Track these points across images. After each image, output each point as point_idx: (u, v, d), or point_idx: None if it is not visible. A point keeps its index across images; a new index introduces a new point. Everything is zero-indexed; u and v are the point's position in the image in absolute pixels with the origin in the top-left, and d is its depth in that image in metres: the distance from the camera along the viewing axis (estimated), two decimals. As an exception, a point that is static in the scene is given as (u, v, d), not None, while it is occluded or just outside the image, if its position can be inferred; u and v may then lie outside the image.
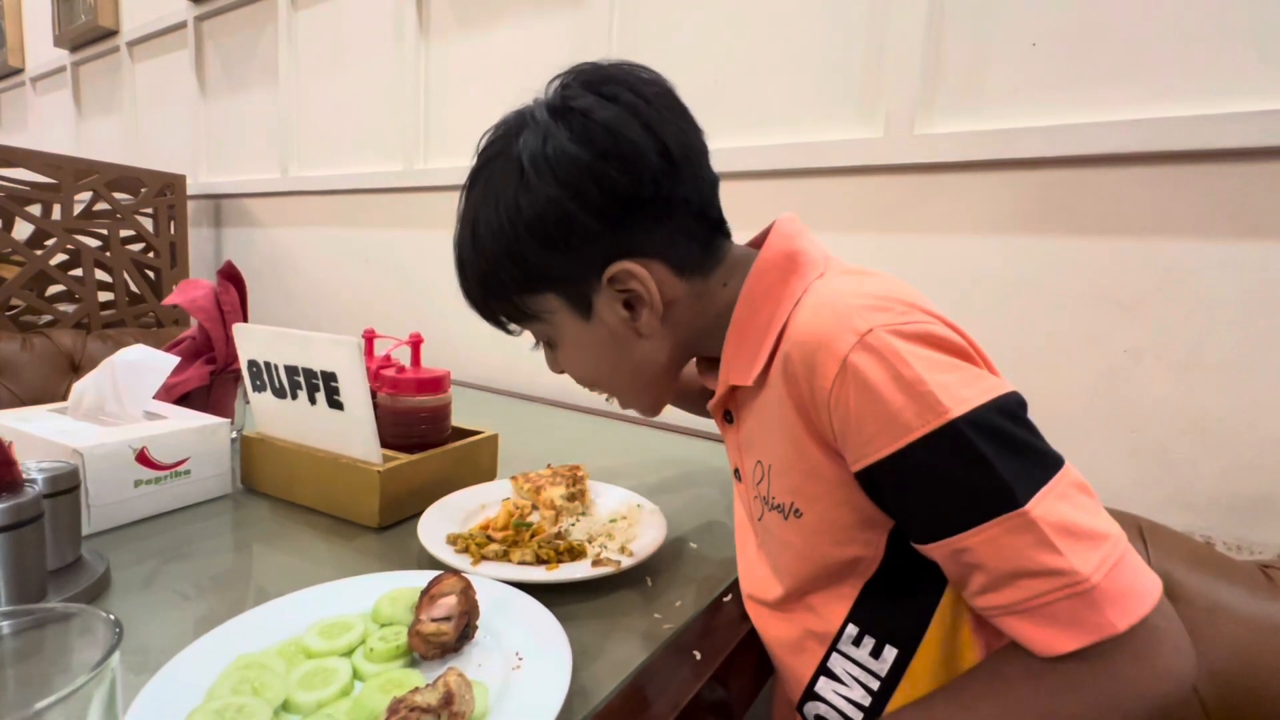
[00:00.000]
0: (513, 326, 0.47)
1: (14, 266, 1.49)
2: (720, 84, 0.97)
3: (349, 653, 0.35)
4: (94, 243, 1.58)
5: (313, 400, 0.57)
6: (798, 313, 0.38)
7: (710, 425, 0.72)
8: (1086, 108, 0.71)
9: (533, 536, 0.51)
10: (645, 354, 0.45)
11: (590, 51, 1.06)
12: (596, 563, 0.47)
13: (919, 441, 0.31)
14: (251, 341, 0.59)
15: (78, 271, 1.55)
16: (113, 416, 0.56)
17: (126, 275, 1.61)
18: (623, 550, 0.49)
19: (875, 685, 0.39)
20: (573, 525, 0.54)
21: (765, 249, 0.42)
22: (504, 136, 0.43)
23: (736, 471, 0.47)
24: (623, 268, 0.41)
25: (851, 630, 0.40)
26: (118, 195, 1.59)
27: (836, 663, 0.40)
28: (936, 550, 0.34)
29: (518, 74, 1.20)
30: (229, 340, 0.71)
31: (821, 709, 0.41)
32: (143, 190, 1.63)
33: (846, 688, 0.40)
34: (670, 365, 0.46)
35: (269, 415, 0.61)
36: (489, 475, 0.68)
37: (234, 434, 0.66)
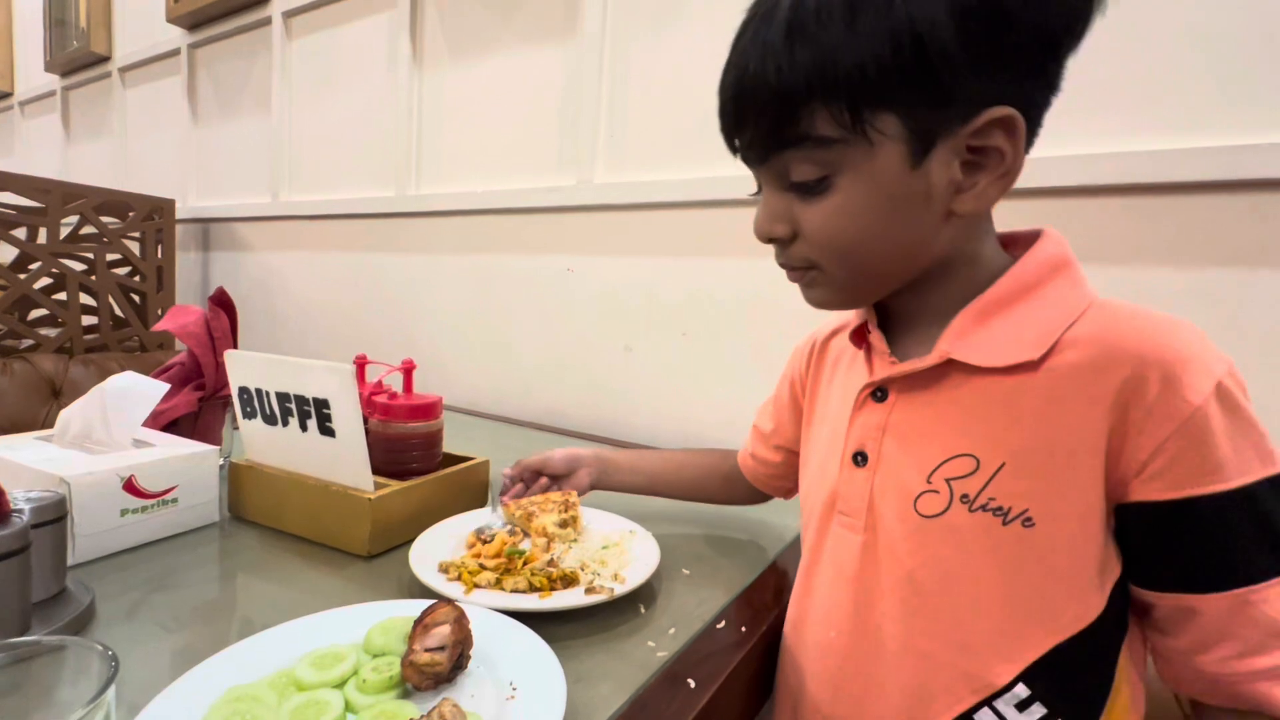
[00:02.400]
0: (783, 150, 0.36)
1: (-3, 289, 1.47)
2: (710, 113, 0.99)
3: (341, 684, 0.35)
4: (79, 266, 1.56)
5: (304, 427, 0.57)
6: (1120, 320, 0.35)
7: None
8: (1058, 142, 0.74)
9: (525, 564, 0.51)
10: (923, 237, 0.37)
11: (582, 81, 1.09)
12: (589, 590, 0.47)
13: (1258, 484, 0.32)
14: (243, 368, 0.59)
15: (61, 295, 1.54)
16: (100, 444, 0.56)
17: (111, 299, 1.60)
18: (615, 577, 0.49)
19: None
20: (564, 552, 0.54)
21: (1046, 240, 0.39)
22: None
23: (860, 455, 0.42)
24: (1010, 114, 0.33)
25: (1020, 691, 0.36)
26: (105, 219, 1.59)
27: (985, 718, 0.37)
28: (1214, 603, 0.33)
29: (510, 102, 1.22)
30: (219, 366, 0.71)
31: None
32: (130, 214, 1.63)
33: None
34: (914, 270, 0.39)
35: (258, 442, 0.61)
36: (480, 501, 0.67)
37: (222, 461, 0.65)
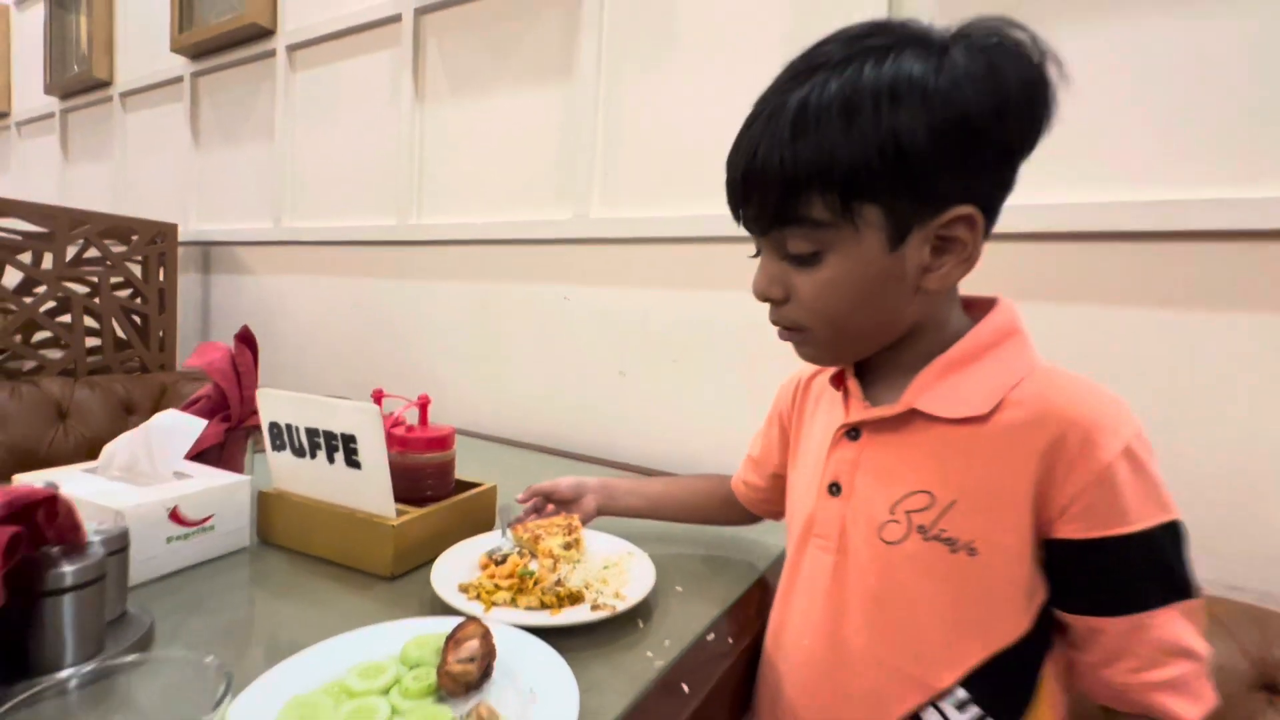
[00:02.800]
0: (786, 227, 0.42)
1: (1, 314, 1.50)
2: (700, 153, 1.06)
3: (386, 691, 0.41)
4: (83, 290, 1.60)
5: (331, 459, 0.63)
6: (1056, 388, 0.42)
7: (685, 473, 0.79)
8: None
9: (535, 584, 0.56)
10: (897, 307, 0.43)
11: (578, 120, 1.16)
12: (595, 607, 0.53)
13: (1156, 529, 0.39)
14: (274, 405, 0.65)
15: (65, 318, 1.57)
16: (144, 475, 0.61)
17: (114, 322, 1.64)
18: (616, 595, 0.55)
19: None
20: (569, 572, 0.60)
21: (1000, 310, 0.46)
22: (904, 38, 0.40)
23: (835, 486, 0.48)
24: (971, 212, 0.40)
25: (960, 693, 0.43)
26: (108, 242, 1.63)
27: (931, 716, 0.44)
28: (1116, 624, 0.40)
29: (509, 138, 1.29)
30: (243, 400, 0.76)
31: None
32: (134, 238, 1.67)
33: None
34: (890, 335, 0.46)
35: (286, 473, 0.67)
36: (488, 525, 0.73)
37: (249, 488, 0.71)
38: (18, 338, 1.52)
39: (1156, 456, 0.41)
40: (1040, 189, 0.79)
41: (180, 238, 1.78)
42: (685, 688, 0.47)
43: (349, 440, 0.61)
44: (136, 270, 1.68)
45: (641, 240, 1.12)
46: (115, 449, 0.62)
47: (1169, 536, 0.40)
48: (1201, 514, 0.72)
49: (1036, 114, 0.40)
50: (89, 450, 1.31)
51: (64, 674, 0.29)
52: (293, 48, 1.62)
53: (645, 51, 1.12)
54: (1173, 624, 0.39)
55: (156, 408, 1.58)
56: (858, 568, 0.47)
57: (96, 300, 1.61)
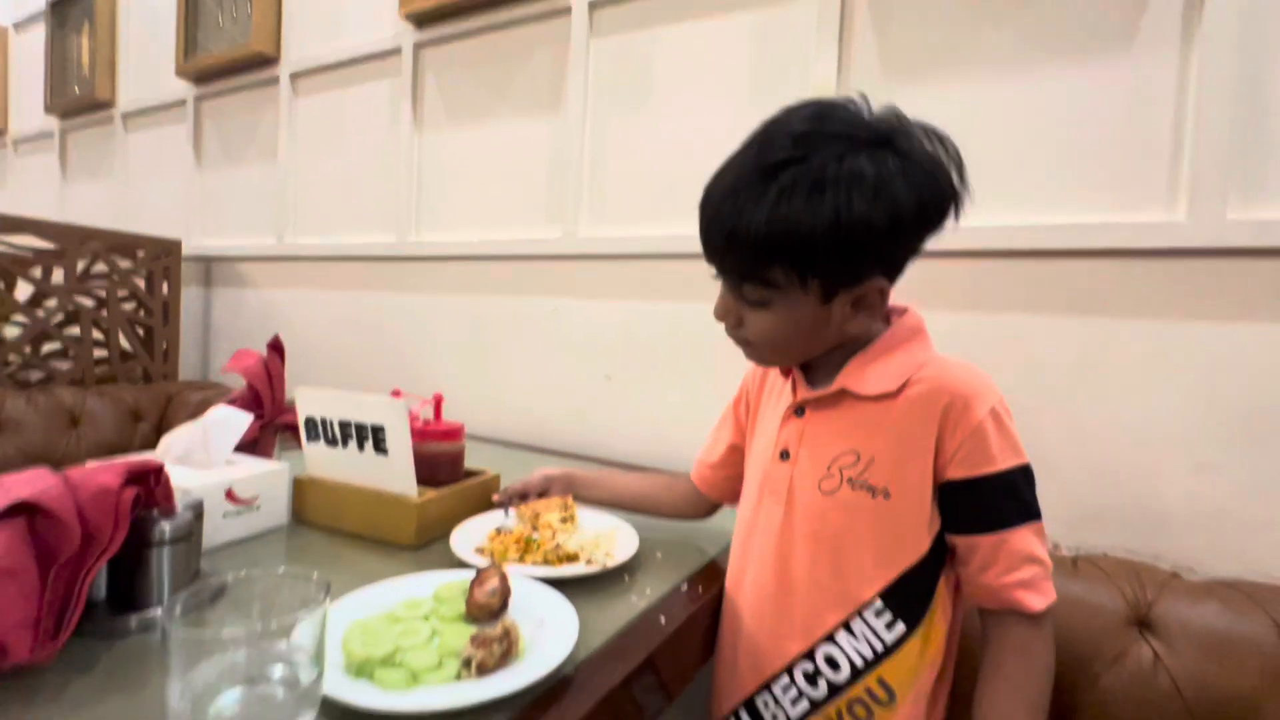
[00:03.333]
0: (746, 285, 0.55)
1: (14, 326, 1.58)
2: (673, 183, 1.19)
3: (425, 618, 0.51)
4: (91, 303, 1.68)
5: (361, 448, 0.73)
6: (946, 370, 0.56)
7: (666, 468, 0.90)
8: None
9: (539, 547, 0.67)
10: (821, 341, 0.58)
11: (567, 148, 1.29)
12: (589, 563, 0.64)
13: (1013, 469, 0.54)
14: (310, 401, 0.75)
15: (73, 330, 1.65)
16: (199, 462, 0.71)
17: (121, 334, 1.71)
18: (607, 555, 0.67)
19: (880, 647, 0.56)
20: (566, 539, 0.71)
21: (908, 316, 0.60)
22: (861, 138, 0.51)
23: (785, 453, 0.62)
24: (884, 285, 0.54)
25: (878, 604, 0.56)
26: (116, 258, 1.71)
27: (857, 624, 0.57)
28: (987, 540, 0.53)
29: (502, 162, 1.41)
30: (274, 400, 0.86)
31: (834, 651, 0.57)
32: (140, 254, 1.75)
33: (857, 642, 0.57)
34: (814, 353, 0.60)
35: (320, 460, 0.77)
36: (481, 507, 0.83)
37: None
38: (28, 349, 1.59)
39: (1013, 418, 0.56)
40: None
41: (184, 253, 1.86)
42: (662, 619, 0.58)
43: (378, 430, 0.72)
44: (141, 284, 1.77)
45: (625, 256, 1.25)
46: (173, 439, 0.72)
47: (1022, 475, 0.55)
48: (1099, 489, 0.86)
49: (945, 208, 0.54)
50: (102, 455, 1.39)
51: (202, 583, 0.39)
52: (296, 75, 1.73)
53: (626, 90, 1.25)
54: (1026, 539, 0.54)
55: (162, 414, 1.66)
56: (802, 515, 0.60)
57: (104, 313, 1.69)
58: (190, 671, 0.33)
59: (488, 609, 0.52)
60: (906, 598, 0.56)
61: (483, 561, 0.63)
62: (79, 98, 2.20)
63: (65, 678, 0.44)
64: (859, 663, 0.57)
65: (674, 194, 1.19)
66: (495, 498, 0.81)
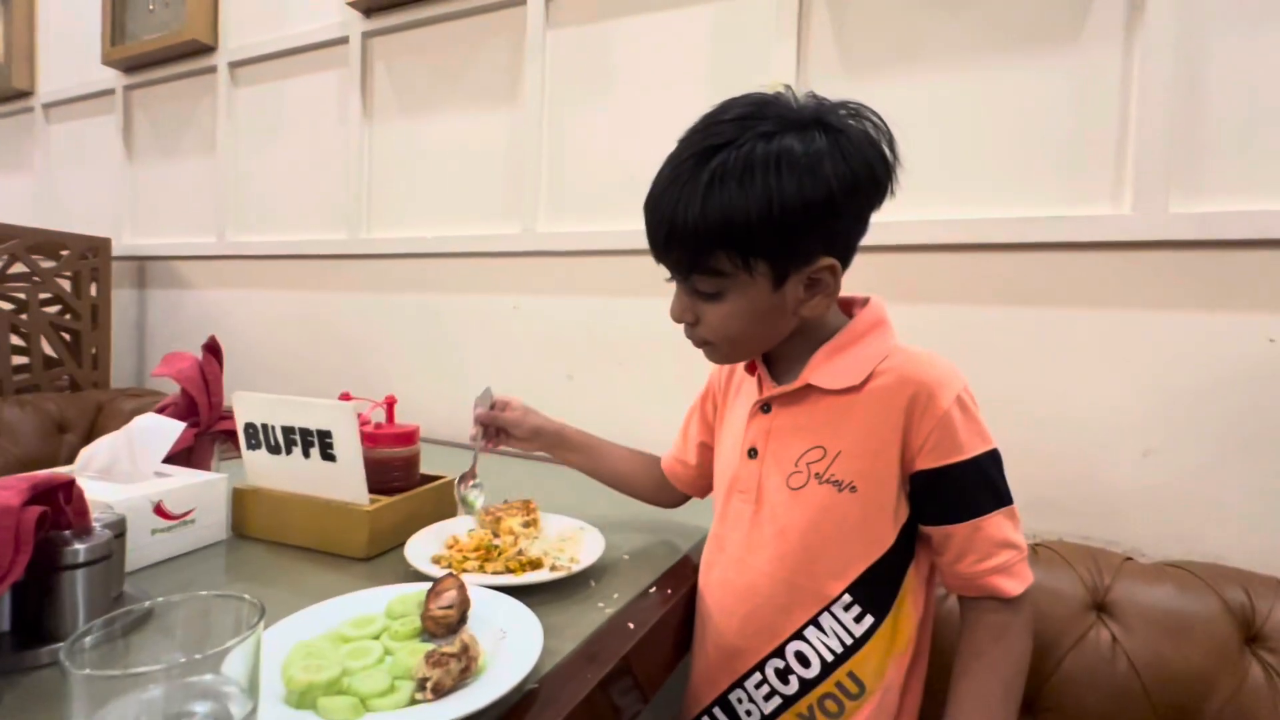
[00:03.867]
0: (697, 275, 0.54)
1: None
2: (634, 178, 1.17)
3: (376, 637, 0.48)
4: (8, 306, 1.55)
5: (306, 455, 0.69)
6: (910, 360, 0.55)
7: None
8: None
9: (500, 555, 0.64)
10: (780, 327, 0.56)
11: (525, 142, 1.25)
12: (553, 569, 0.61)
13: (982, 455, 0.53)
14: (250, 407, 0.70)
15: (-14, 336, 1.52)
16: (124, 475, 0.65)
17: (44, 339, 1.59)
18: (571, 560, 0.64)
19: (849, 640, 0.56)
20: (529, 545, 0.68)
21: (870, 307, 0.59)
22: (786, 122, 0.50)
23: (752, 451, 0.60)
24: (833, 263, 0.52)
25: (845, 598, 0.56)
26: (35, 258, 1.58)
27: (825, 619, 0.56)
28: (960, 529, 0.53)
29: (458, 156, 1.36)
30: (211, 406, 0.80)
31: (803, 647, 0.57)
32: (64, 253, 1.63)
33: (826, 638, 0.56)
34: (776, 341, 0.58)
35: (261, 469, 0.72)
36: (451, 512, 0.80)
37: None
38: (-64, 357, 1.46)
39: (978, 404, 0.55)
40: (917, 208, 0.94)
41: (114, 252, 1.75)
42: (631, 626, 0.56)
43: (324, 436, 0.67)
44: (66, 286, 1.65)
45: (586, 253, 1.22)
46: (95, 451, 0.66)
47: (991, 460, 0.54)
48: (1051, 477, 0.88)
49: (880, 185, 0.53)
50: (22, 470, 1.28)
51: (116, 613, 0.35)
52: (235, 64, 1.64)
53: (585, 82, 1.22)
54: (1000, 525, 0.53)
55: (91, 425, 1.55)
56: (770, 511, 0.59)
57: (24, 317, 1.56)
58: (97, 715, 0.29)
59: (445, 623, 0.48)
60: (874, 591, 0.56)
61: (439, 572, 0.60)
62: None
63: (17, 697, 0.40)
64: (829, 658, 0.56)
65: (634, 188, 1.16)
66: (471, 432, 0.76)
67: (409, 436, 0.78)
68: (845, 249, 0.54)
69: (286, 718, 0.39)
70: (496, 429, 0.77)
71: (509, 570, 0.61)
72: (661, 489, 0.80)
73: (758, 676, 0.59)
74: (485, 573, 0.61)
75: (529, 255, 1.28)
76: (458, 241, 1.34)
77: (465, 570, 0.61)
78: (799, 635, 0.57)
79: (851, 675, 0.56)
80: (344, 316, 1.52)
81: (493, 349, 1.33)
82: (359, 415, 0.80)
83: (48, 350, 1.61)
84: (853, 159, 0.50)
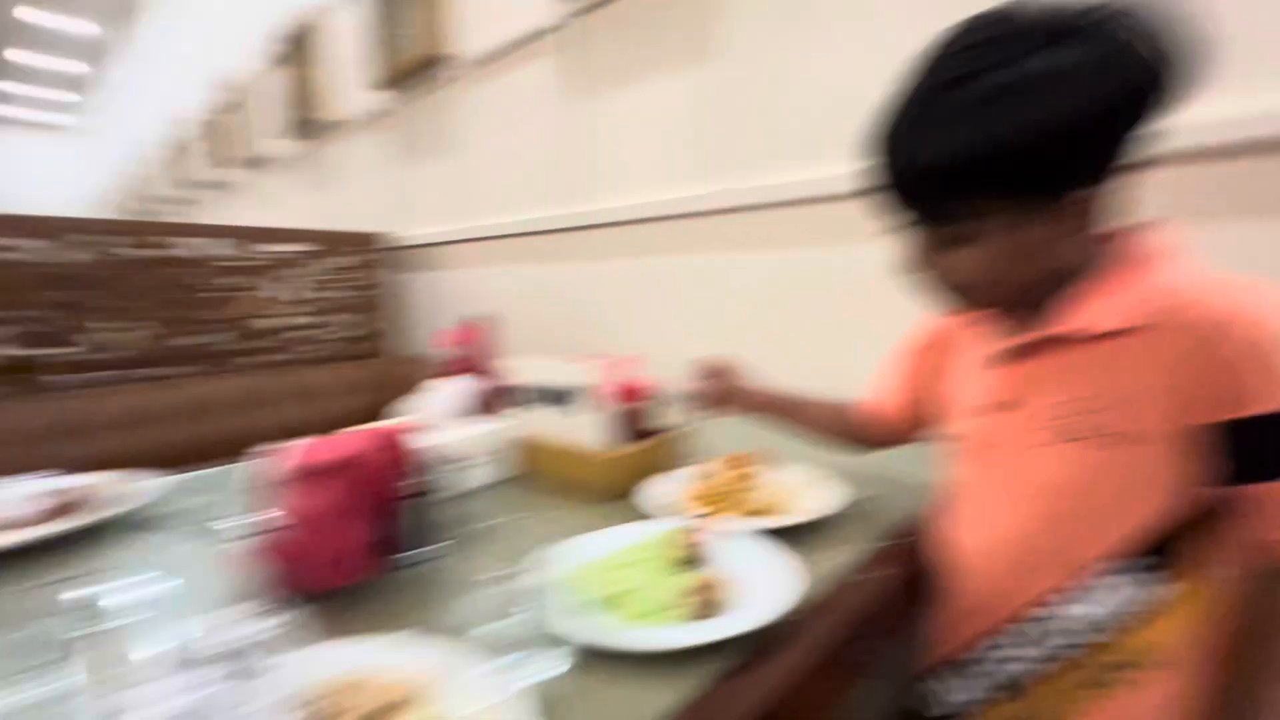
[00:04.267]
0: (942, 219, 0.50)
1: (266, 317, 1.92)
2: (844, 119, 1.10)
3: (641, 564, 0.55)
4: (325, 294, 2.01)
5: (564, 409, 0.80)
6: (1202, 292, 0.46)
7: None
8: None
9: (741, 500, 0.69)
10: (1038, 267, 0.50)
11: (719, 103, 1.24)
12: (797, 514, 0.65)
13: None
14: (520, 369, 0.84)
15: (304, 319, 1.97)
16: (440, 424, 0.83)
17: (350, 317, 2.04)
18: (811, 507, 0.67)
19: (1105, 611, 0.50)
20: (774, 492, 0.71)
21: (1145, 234, 0.51)
22: (1038, 34, 0.44)
23: (998, 404, 0.55)
24: (1099, 191, 0.47)
25: (1107, 564, 0.50)
26: (328, 254, 2.02)
27: (1077, 587, 0.51)
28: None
29: (653, 124, 1.41)
30: (488, 369, 0.97)
31: (1053, 612, 0.52)
32: (364, 248, 2.07)
33: (1080, 605, 0.51)
34: (1035, 282, 0.51)
35: (530, 420, 0.86)
36: (679, 462, 0.86)
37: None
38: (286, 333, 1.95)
39: None
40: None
41: (385, 244, 2.16)
42: (870, 574, 0.57)
43: (577, 392, 0.78)
44: (361, 275, 2.08)
45: (795, 202, 1.19)
46: (418, 405, 0.85)
47: None
48: None
49: (1154, 92, 0.44)
50: (333, 425, 1.69)
51: (472, 526, 0.46)
52: (468, 66, 1.86)
53: (777, 23, 1.17)
54: None
55: (380, 387, 1.94)
56: (1016, 471, 0.55)
57: (326, 297, 2.01)
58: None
59: (693, 558, 0.54)
60: (1141, 560, 0.49)
61: (686, 515, 0.66)
62: (312, 123, 2.57)
63: (384, 595, 0.56)
64: (1086, 625, 0.51)
65: (841, 131, 1.10)
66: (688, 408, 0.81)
67: (644, 392, 0.86)
68: (1109, 176, 0.47)
69: (578, 623, 0.47)
70: (714, 399, 0.81)
71: (756, 514, 0.66)
72: (860, 436, 0.77)
73: (996, 640, 0.56)
74: (732, 515, 0.66)
75: (733, 211, 1.29)
76: (663, 205, 1.40)
77: (716, 511, 0.67)
78: (1046, 599, 0.53)
79: (1119, 647, 0.50)
80: (569, 284, 1.69)
81: (707, 306, 1.38)
82: (604, 372, 0.91)
83: (349, 329, 2.06)
84: (1118, 70, 0.43)
